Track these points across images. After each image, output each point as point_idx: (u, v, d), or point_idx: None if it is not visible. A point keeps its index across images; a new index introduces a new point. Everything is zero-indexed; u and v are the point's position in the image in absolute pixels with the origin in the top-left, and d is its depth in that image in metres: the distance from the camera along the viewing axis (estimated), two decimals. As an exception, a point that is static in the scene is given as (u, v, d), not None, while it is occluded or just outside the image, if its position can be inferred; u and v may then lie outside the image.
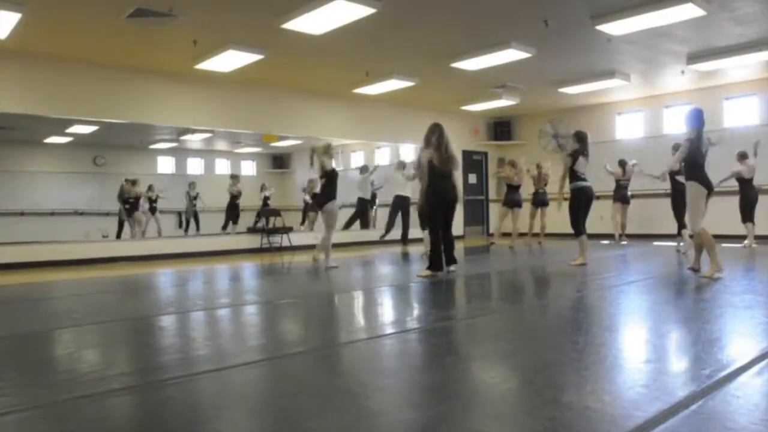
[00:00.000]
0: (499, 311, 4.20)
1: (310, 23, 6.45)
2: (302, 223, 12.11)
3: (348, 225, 11.45)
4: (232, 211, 11.48)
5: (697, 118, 5.24)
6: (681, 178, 7.71)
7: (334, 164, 6.86)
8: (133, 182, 10.44)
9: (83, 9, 6.15)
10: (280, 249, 10.23)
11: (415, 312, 4.16)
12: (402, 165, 10.25)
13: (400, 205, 10.05)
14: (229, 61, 7.92)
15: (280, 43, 7.29)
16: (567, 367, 2.58)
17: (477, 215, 13.94)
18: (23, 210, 10.15)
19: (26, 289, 5.98)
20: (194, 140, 11.37)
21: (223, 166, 13.53)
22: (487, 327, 3.57)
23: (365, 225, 11.76)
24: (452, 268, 5.98)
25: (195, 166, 12.81)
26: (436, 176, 5.76)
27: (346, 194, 12.56)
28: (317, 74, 9.25)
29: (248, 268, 7.57)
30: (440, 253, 5.80)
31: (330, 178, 6.74)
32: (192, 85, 9.15)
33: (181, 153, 12.32)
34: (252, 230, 10.75)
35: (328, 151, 6.89)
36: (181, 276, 6.89)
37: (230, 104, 9.70)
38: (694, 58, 8.54)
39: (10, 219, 9.92)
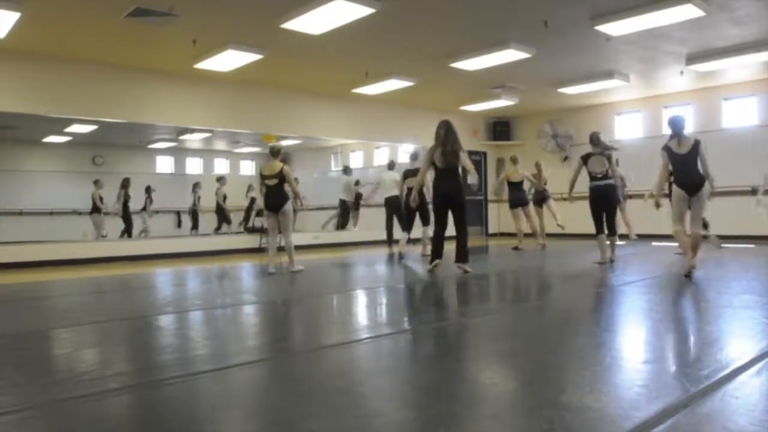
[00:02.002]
0: (497, 312, 4.19)
1: (309, 23, 6.45)
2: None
3: (337, 225, 11.78)
4: (222, 214, 11.49)
5: (671, 125, 5.46)
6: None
7: (285, 164, 6.44)
8: (95, 182, 10.27)
9: (82, 8, 6.15)
10: (279, 249, 10.22)
11: (415, 312, 4.16)
12: (392, 165, 9.81)
13: (391, 205, 9.68)
14: (229, 60, 7.92)
15: (279, 43, 7.28)
16: (566, 368, 2.58)
17: (476, 215, 13.94)
18: (22, 209, 10.14)
19: (25, 289, 5.97)
20: (193, 140, 11.36)
21: (222, 166, 13.52)
22: (486, 327, 3.56)
23: (343, 225, 11.89)
24: (467, 267, 5.96)
25: (194, 166, 12.80)
26: (437, 174, 5.95)
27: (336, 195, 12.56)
28: (317, 74, 9.25)
29: (245, 269, 7.57)
30: (438, 243, 6.03)
31: (282, 179, 6.31)
32: (191, 85, 9.15)
33: (180, 152, 12.31)
34: (251, 230, 10.74)
35: (279, 153, 6.55)
36: (179, 276, 6.89)
37: (229, 104, 9.69)
38: (693, 58, 8.55)
39: (8, 218, 9.91)
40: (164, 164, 12.67)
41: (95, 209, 10.16)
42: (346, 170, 12.06)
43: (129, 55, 8.00)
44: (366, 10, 6.07)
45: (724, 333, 3.23)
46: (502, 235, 13.64)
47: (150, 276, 6.85)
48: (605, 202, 6.64)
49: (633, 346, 3.05)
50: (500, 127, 13.80)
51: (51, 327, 3.83)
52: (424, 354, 3.03)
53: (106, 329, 3.73)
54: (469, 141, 13.29)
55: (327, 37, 6.92)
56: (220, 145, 12.91)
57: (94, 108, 8.39)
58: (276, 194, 6.34)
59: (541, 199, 9.87)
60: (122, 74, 8.50)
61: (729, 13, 6.68)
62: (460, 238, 6.00)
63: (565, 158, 12.76)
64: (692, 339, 3.10)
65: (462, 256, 5.96)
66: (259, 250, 10.12)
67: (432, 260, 6.05)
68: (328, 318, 4.18)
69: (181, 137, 11.01)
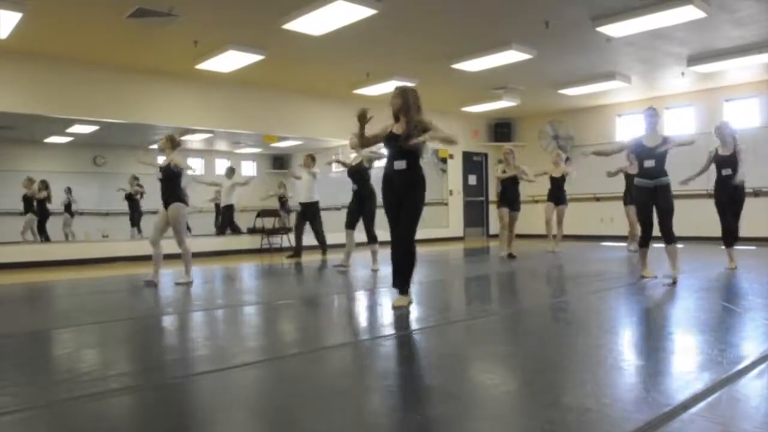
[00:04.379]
0: (497, 313, 4.19)
1: (310, 24, 6.45)
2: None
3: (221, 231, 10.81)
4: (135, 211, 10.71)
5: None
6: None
7: (180, 158, 5.76)
8: (30, 180, 9.76)
9: (84, 9, 6.16)
10: (281, 250, 10.24)
11: (414, 313, 4.15)
12: (311, 159, 8.51)
13: (306, 212, 8.65)
14: (230, 61, 7.93)
15: (280, 43, 7.29)
16: (566, 369, 2.58)
17: (477, 216, 13.95)
18: (23, 209, 10.12)
19: (26, 289, 5.98)
20: (194, 140, 11.34)
21: (223, 167, 13.52)
22: (486, 329, 3.56)
23: (222, 231, 10.83)
24: (406, 300, 4.13)
25: (195, 166, 12.79)
26: (387, 157, 4.26)
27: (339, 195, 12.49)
28: (317, 75, 9.26)
29: (246, 269, 7.57)
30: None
31: (170, 175, 5.65)
32: (192, 86, 9.16)
33: (181, 153, 12.29)
34: (252, 231, 10.75)
35: (174, 142, 5.81)
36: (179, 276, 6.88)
37: (230, 105, 9.70)
38: (694, 59, 8.54)
39: (10, 218, 9.90)
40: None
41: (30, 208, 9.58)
42: (230, 172, 10.95)
43: (130, 56, 8.01)
44: (367, 11, 6.08)
45: (726, 335, 3.22)
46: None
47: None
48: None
49: (634, 348, 3.04)
50: (501, 129, 13.81)
51: (52, 327, 3.83)
52: (424, 354, 3.03)
53: (106, 329, 3.73)
54: (469, 141, 13.32)
55: (328, 37, 6.92)
56: (221, 145, 12.91)
57: (95, 108, 8.40)
58: (164, 191, 5.61)
59: (559, 199, 8.89)
60: (124, 75, 8.51)
61: (730, 15, 6.68)
62: (400, 254, 4.16)
63: (566, 159, 12.73)
64: (693, 341, 3.10)
65: (406, 283, 4.17)
66: (260, 251, 10.13)
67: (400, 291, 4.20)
68: (325, 319, 4.17)
69: (182, 138, 10.96)
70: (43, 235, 9.63)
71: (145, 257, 8.72)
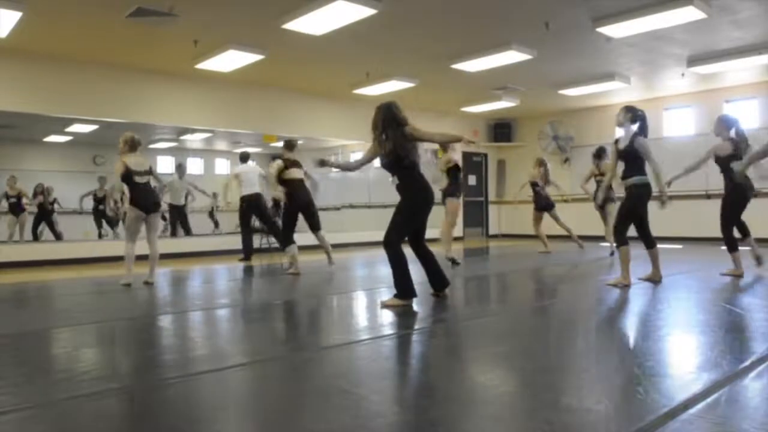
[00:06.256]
0: (496, 313, 4.19)
1: (310, 24, 6.45)
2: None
3: (174, 233, 10.30)
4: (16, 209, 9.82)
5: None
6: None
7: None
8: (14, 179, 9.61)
9: (84, 8, 6.15)
10: (279, 249, 10.21)
11: (413, 313, 4.15)
12: (246, 157, 8.04)
13: (250, 204, 7.94)
14: (230, 61, 7.93)
15: (280, 43, 7.29)
16: (566, 370, 2.58)
17: (476, 217, 13.96)
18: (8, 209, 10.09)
19: (25, 288, 5.97)
20: (194, 140, 11.35)
21: (222, 166, 13.52)
22: (486, 329, 3.56)
23: (187, 232, 10.29)
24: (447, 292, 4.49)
25: (195, 166, 12.80)
26: (418, 168, 4.29)
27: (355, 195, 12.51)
28: (317, 75, 9.26)
29: (244, 269, 7.57)
30: (408, 274, 4.15)
31: (150, 175, 5.62)
32: (192, 85, 9.16)
33: (180, 153, 12.30)
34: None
35: (133, 144, 5.53)
36: (178, 276, 6.88)
37: (230, 104, 9.70)
38: (694, 60, 8.55)
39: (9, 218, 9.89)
40: (165, 164, 12.65)
41: (21, 207, 9.43)
42: (179, 169, 10.29)
43: (130, 55, 8.01)
44: (367, 11, 6.08)
45: (724, 336, 3.22)
46: (504, 236, 13.65)
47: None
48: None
49: (633, 348, 3.04)
50: (501, 129, 13.82)
51: (51, 326, 3.82)
52: (423, 355, 3.03)
53: (107, 329, 3.73)
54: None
55: (328, 37, 6.92)
56: (221, 145, 12.91)
57: (94, 108, 8.40)
58: (153, 193, 5.59)
59: (546, 204, 8.85)
60: (123, 74, 8.50)
61: (731, 16, 6.68)
62: (431, 255, 4.34)
63: (566, 160, 12.76)
64: (692, 342, 3.10)
65: (444, 278, 4.42)
66: (258, 251, 10.10)
67: (405, 297, 4.16)
68: (325, 319, 4.17)
69: (182, 137, 10.99)
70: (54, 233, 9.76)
71: (143, 257, 8.74)
